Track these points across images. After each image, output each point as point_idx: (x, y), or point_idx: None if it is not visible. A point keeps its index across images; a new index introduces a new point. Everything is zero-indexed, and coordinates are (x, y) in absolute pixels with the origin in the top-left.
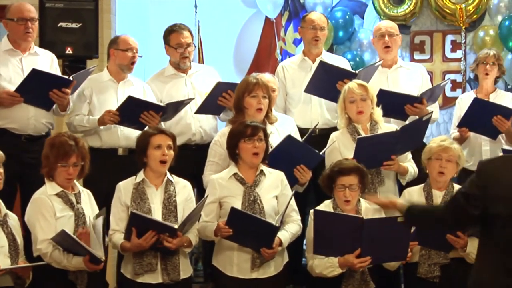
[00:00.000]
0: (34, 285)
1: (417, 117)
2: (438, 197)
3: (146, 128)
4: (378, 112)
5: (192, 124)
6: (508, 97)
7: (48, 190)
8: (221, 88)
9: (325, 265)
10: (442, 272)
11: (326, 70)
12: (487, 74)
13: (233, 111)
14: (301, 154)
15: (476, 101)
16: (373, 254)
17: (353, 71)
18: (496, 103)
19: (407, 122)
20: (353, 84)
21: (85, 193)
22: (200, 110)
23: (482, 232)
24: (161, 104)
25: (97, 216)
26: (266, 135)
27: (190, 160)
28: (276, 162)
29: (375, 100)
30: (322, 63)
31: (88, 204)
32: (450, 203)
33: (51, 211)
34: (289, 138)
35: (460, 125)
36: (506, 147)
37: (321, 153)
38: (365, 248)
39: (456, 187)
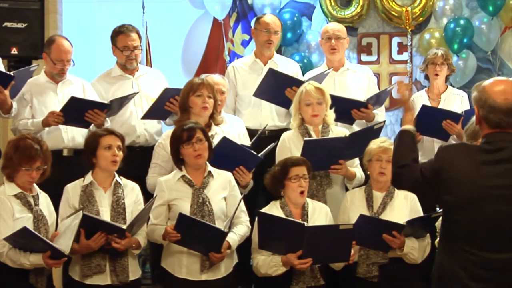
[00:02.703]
0: None
1: (363, 120)
2: (379, 198)
3: (92, 127)
4: (330, 115)
5: (137, 126)
6: (459, 96)
7: (7, 191)
8: (168, 94)
9: (269, 265)
10: (380, 271)
11: (275, 77)
12: (437, 74)
13: (178, 114)
14: (239, 156)
15: (424, 108)
16: (314, 256)
17: (302, 80)
18: (444, 108)
19: (354, 125)
20: (310, 87)
21: (42, 195)
22: (147, 116)
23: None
24: (105, 102)
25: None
26: (205, 134)
27: (134, 162)
28: (215, 164)
29: (329, 103)
30: (271, 71)
31: (46, 206)
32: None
33: (9, 212)
34: (224, 140)
35: None
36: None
37: (260, 155)
38: (306, 250)
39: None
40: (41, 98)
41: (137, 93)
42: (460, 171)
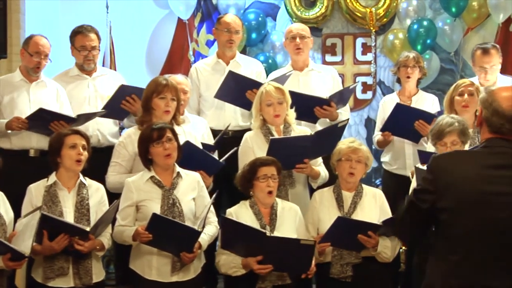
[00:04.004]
0: None
1: (327, 120)
2: (348, 197)
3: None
4: (291, 114)
5: (90, 126)
6: (430, 99)
7: None
8: (124, 91)
9: (230, 265)
10: (354, 271)
11: (235, 80)
12: (408, 77)
13: (138, 114)
14: (201, 160)
15: (398, 106)
16: (274, 263)
17: (262, 83)
18: (418, 108)
19: (317, 125)
20: (270, 87)
21: None
22: (104, 114)
23: (435, 232)
24: (73, 116)
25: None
26: (175, 134)
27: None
28: (180, 166)
29: (290, 102)
30: (231, 73)
31: (2, 204)
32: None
33: None
34: (187, 144)
35: (383, 129)
36: (420, 148)
37: (221, 160)
38: (267, 257)
39: (365, 187)
40: (12, 96)
41: (104, 111)
42: (458, 176)
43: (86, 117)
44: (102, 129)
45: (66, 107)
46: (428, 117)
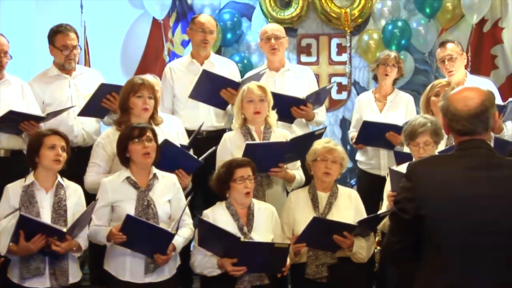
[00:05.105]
0: None
1: (304, 120)
2: (323, 198)
3: (24, 135)
4: (273, 116)
5: (75, 126)
6: (405, 100)
7: None
8: (104, 90)
9: (205, 266)
10: (329, 272)
11: (209, 79)
12: (387, 74)
13: (117, 113)
14: (179, 159)
15: (365, 124)
16: (249, 265)
17: (236, 81)
18: (385, 122)
19: (294, 125)
20: (252, 85)
21: None
22: (83, 112)
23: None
24: (42, 115)
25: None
26: (155, 135)
27: (72, 163)
28: (157, 166)
29: (272, 103)
30: (205, 72)
31: None
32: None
33: None
34: (165, 142)
35: (356, 142)
36: (397, 149)
37: (200, 159)
38: (241, 259)
39: (340, 188)
40: None
41: (73, 106)
42: (437, 180)
43: (54, 114)
44: (87, 129)
45: (32, 103)
46: (397, 129)
